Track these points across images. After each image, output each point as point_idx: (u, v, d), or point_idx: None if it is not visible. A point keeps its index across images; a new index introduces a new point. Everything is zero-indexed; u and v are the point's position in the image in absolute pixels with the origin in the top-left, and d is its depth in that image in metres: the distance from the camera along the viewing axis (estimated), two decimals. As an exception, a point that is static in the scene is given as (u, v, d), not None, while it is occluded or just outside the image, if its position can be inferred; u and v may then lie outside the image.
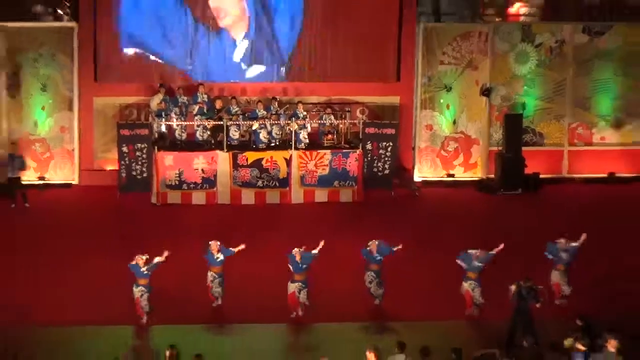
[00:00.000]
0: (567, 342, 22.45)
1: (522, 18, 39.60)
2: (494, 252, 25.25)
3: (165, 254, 24.77)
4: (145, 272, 24.63)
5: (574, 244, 25.88)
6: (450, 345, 21.74)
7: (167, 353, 20.96)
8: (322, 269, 25.94)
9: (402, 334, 22.89)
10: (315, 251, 25.00)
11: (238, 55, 34.59)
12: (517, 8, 41.56)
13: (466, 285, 25.44)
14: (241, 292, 26.04)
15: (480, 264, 25.27)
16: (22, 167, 32.70)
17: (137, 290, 24.72)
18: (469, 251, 25.60)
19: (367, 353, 20.76)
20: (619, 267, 28.45)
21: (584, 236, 25.72)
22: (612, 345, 21.51)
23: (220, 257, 25.41)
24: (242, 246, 25.38)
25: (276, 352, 23.79)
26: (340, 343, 23.97)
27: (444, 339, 23.08)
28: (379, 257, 25.58)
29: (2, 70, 33.53)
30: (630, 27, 35.83)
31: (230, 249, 25.45)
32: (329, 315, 25.33)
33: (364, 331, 24.93)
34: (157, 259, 24.76)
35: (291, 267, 24.96)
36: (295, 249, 25.07)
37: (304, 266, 24.92)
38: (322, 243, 25.07)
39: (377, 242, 25.73)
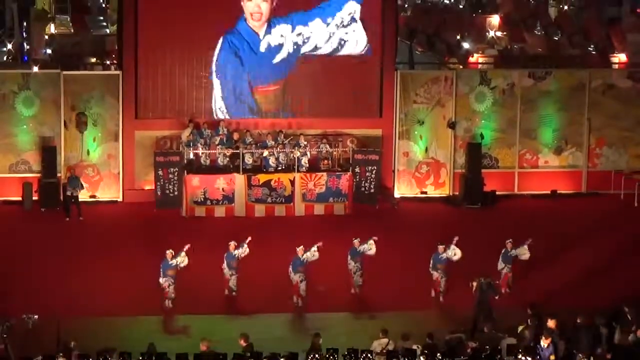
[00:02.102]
0: (520, 328, 22.16)
1: (480, 66, 39.49)
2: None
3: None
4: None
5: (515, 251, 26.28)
6: (425, 331, 21.36)
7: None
8: (318, 268, 25.65)
9: (386, 322, 22.41)
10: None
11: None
12: (476, 58, 41.43)
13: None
14: (254, 287, 25.65)
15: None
16: (81, 187, 32.29)
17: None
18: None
19: (240, 341, 20.85)
20: (559, 265, 28.20)
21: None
22: (552, 324, 21.36)
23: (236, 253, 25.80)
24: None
25: (281, 337, 23.50)
26: (334, 329, 23.61)
27: (419, 326, 22.70)
28: (360, 251, 25.97)
29: (61, 108, 33.12)
30: (567, 72, 35.55)
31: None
32: (323, 306, 25.01)
33: (353, 319, 24.69)
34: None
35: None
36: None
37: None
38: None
39: (359, 240, 26.12)
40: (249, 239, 25.75)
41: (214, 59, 33.30)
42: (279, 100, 33.89)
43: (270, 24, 33.53)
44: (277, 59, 33.71)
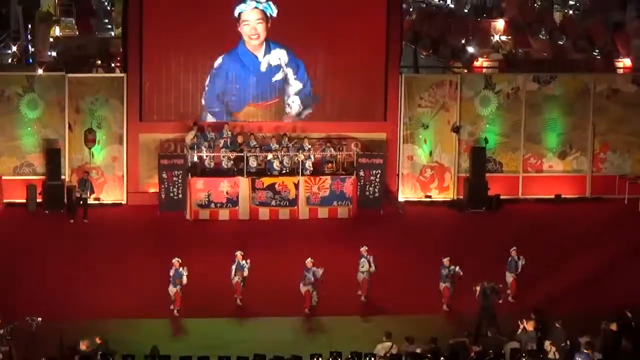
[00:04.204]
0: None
1: (484, 70, 39.51)
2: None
3: None
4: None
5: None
6: (429, 335, 21.32)
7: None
8: (324, 272, 25.39)
9: (390, 325, 22.34)
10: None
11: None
12: (480, 62, 41.48)
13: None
14: (258, 291, 25.60)
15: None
16: (92, 190, 32.35)
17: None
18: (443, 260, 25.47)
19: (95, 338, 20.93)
20: (563, 270, 28.08)
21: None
22: (530, 326, 21.41)
23: (244, 263, 25.51)
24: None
25: (287, 340, 23.41)
26: (339, 333, 23.63)
27: (423, 330, 22.65)
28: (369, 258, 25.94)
29: (66, 110, 33.13)
30: (571, 77, 35.49)
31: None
32: (329, 309, 24.96)
33: (358, 323, 24.67)
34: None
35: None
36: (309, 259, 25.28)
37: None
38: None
39: (366, 248, 25.96)
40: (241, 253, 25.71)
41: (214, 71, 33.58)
42: (280, 110, 34.08)
43: (269, 46, 33.71)
44: (276, 77, 33.89)
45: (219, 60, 33.53)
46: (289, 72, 33.86)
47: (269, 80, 33.87)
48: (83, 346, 20.71)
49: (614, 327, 21.76)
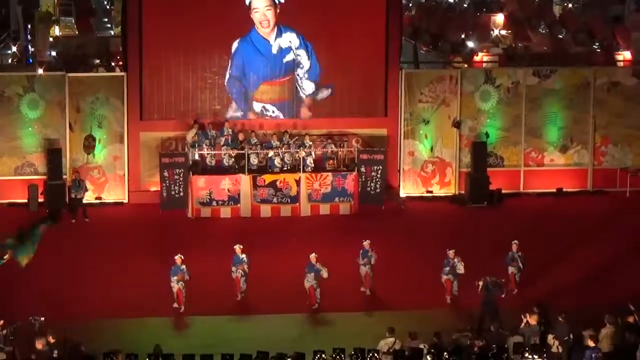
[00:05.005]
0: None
1: (484, 64, 39.46)
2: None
3: None
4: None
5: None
6: (432, 330, 21.32)
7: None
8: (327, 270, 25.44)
9: (392, 321, 22.33)
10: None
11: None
12: (480, 56, 41.39)
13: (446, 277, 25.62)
14: (260, 288, 25.59)
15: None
16: (85, 189, 32.33)
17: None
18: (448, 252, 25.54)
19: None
20: (565, 264, 28.04)
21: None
22: (533, 320, 21.44)
23: (244, 257, 25.56)
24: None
25: (289, 337, 23.38)
26: (343, 329, 23.57)
27: (426, 325, 22.63)
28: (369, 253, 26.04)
29: (66, 110, 33.13)
30: (571, 70, 35.46)
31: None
32: (331, 306, 24.95)
33: (361, 319, 24.67)
34: None
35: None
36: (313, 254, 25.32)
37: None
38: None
39: (368, 242, 26.09)
40: (240, 246, 25.77)
41: (229, 64, 33.73)
42: (289, 90, 34.06)
43: (280, 30, 33.80)
44: (288, 58, 33.94)
45: (235, 44, 33.65)
46: (300, 53, 33.94)
47: (280, 60, 33.92)
48: (39, 345, 20.56)
49: (631, 319, 21.77)
